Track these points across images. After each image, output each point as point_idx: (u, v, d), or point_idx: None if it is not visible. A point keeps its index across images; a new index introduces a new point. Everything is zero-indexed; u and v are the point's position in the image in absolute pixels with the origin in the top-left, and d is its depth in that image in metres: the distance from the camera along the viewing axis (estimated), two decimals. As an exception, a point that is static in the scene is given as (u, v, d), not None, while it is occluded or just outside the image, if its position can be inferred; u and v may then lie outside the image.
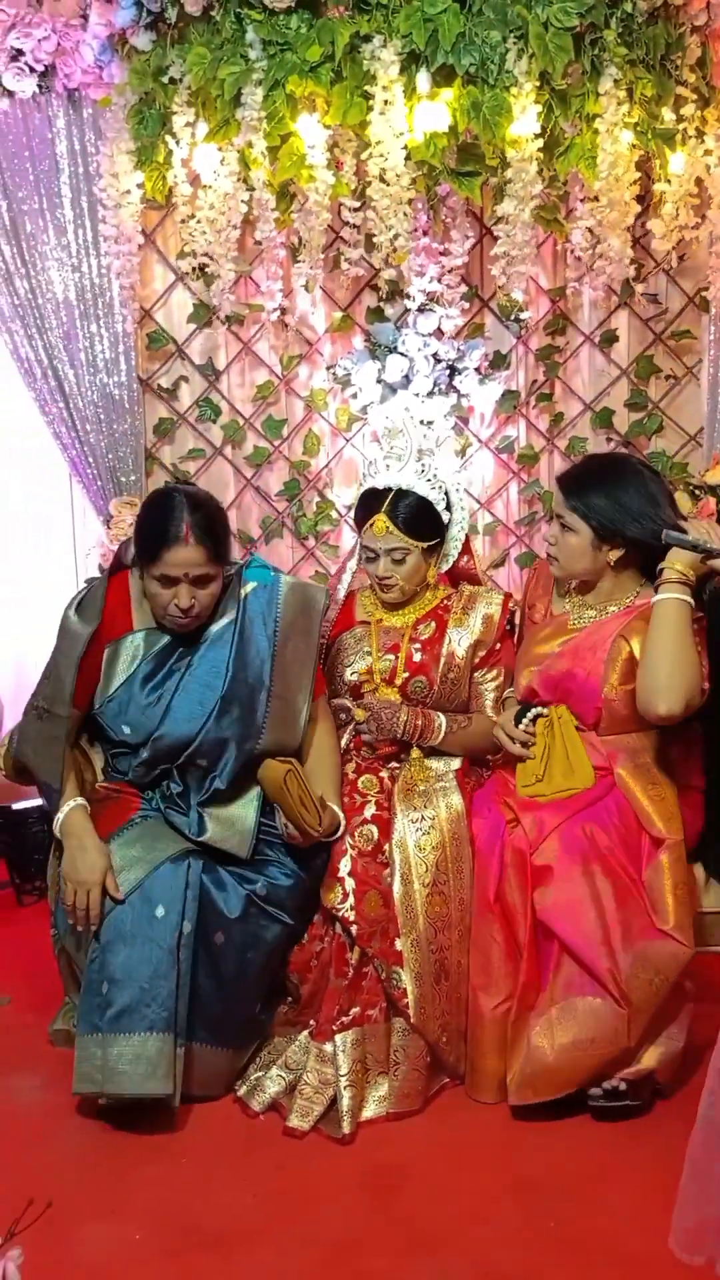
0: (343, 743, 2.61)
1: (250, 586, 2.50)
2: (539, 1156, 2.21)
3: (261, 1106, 2.34)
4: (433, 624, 2.65)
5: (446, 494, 2.64)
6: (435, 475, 2.61)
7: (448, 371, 3.43)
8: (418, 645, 2.63)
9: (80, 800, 2.39)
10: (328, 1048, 2.31)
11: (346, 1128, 2.25)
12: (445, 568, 2.72)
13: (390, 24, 2.66)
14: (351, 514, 3.50)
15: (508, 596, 2.71)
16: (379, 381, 3.42)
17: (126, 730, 2.44)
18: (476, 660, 2.64)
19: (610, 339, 3.52)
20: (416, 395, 3.42)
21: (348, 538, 3.59)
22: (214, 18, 2.75)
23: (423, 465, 2.60)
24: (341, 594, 2.77)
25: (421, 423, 2.73)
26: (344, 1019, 2.32)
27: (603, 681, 2.41)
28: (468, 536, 2.73)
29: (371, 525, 2.59)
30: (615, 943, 2.24)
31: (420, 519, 2.59)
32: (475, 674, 2.66)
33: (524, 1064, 2.26)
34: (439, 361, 3.41)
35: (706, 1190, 1.70)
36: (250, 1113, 2.34)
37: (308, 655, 2.51)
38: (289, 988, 2.44)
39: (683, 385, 3.56)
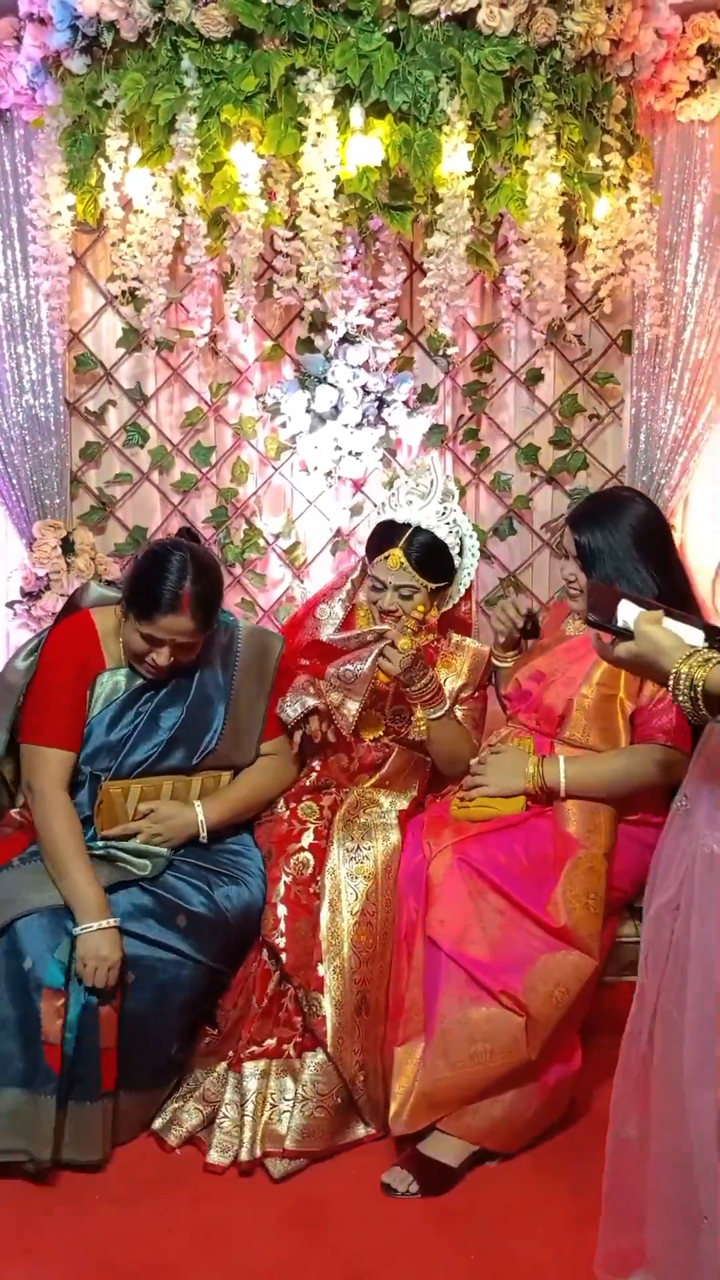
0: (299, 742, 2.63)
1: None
2: (460, 1187, 2.19)
3: (179, 1141, 2.29)
4: (436, 672, 2.65)
5: (461, 540, 2.66)
6: (455, 520, 2.64)
7: (376, 404, 3.46)
8: None
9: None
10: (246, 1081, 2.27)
11: (244, 1155, 2.20)
12: (445, 609, 2.74)
13: (325, 58, 2.69)
14: (278, 543, 3.51)
15: (491, 650, 2.76)
16: (308, 411, 3.43)
17: (84, 767, 2.41)
18: (459, 699, 2.67)
19: (536, 377, 3.58)
20: (345, 426, 3.44)
21: (275, 566, 3.58)
22: (150, 44, 2.75)
23: (445, 508, 2.63)
24: (339, 610, 2.76)
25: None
26: (255, 1048, 2.29)
27: (584, 676, 2.43)
28: (471, 584, 2.76)
29: (386, 558, 2.59)
30: (507, 962, 2.22)
31: (434, 560, 2.60)
32: (453, 706, 2.67)
33: (420, 1084, 2.20)
34: (368, 393, 3.44)
35: (626, 1212, 1.69)
36: (167, 1147, 2.28)
37: (260, 699, 2.56)
38: (214, 1017, 2.40)
39: (605, 424, 3.64)
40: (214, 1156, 2.23)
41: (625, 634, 1.56)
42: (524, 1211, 2.11)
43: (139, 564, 2.43)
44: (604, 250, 3.13)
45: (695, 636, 1.52)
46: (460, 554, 2.68)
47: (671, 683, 1.47)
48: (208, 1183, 2.19)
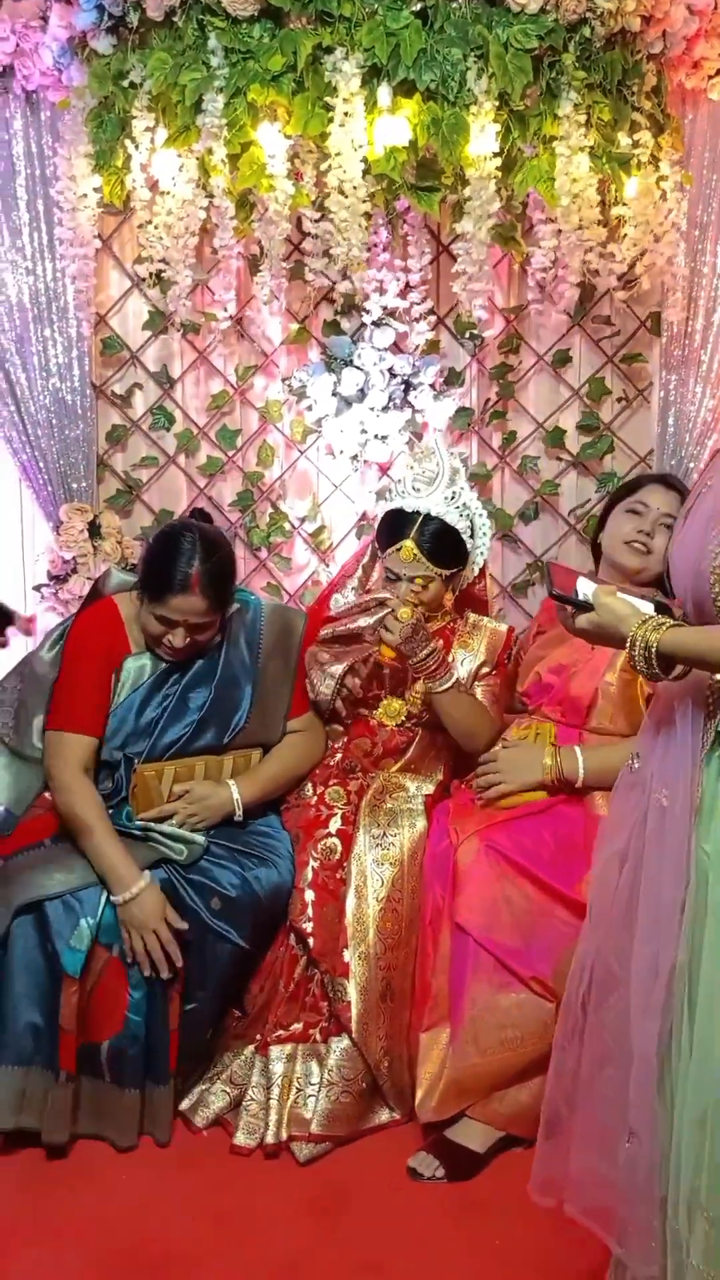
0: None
1: (235, 607, 2.53)
2: (482, 1177, 2.19)
3: (205, 1122, 2.30)
4: (440, 642, 2.64)
5: (472, 521, 2.65)
6: (464, 503, 2.63)
7: (403, 386, 3.44)
8: None
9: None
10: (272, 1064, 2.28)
11: (269, 1138, 2.21)
12: (460, 589, 2.73)
13: (352, 37, 2.67)
14: (303, 527, 3.50)
15: (511, 630, 2.74)
16: (334, 394, 3.42)
17: (116, 751, 2.42)
18: (478, 675, 2.66)
19: (563, 360, 3.55)
20: (371, 409, 3.42)
21: (300, 550, 3.57)
22: (176, 23, 2.74)
23: (452, 492, 2.62)
24: (352, 596, 2.76)
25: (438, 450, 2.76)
26: (281, 1032, 2.29)
27: (607, 664, 2.43)
28: (485, 562, 2.75)
29: (399, 550, 2.58)
30: (537, 948, 2.21)
31: (446, 547, 2.60)
32: (473, 684, 2.67)
33: (450, 1071, 2.20)
34: (394, 376, 3.42)
35: (560, 1145, 1.76)
36: (194, 1129, 2.30)
37: (285, 677, 2.57)
38: (242, 1001, 2.41)
39: (634, 408, 3.60)
40: (240, 1139, 2.24)
41: (586, 606, 1.73)
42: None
43: (150, 547, 2.47)
44: (634, 228, 3.09)
45: (647, 606, 1.70)
46: (471, 535, 2.67)
47: (628, 645, 1.63)
48: (234, 1165, 2.20)
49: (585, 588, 1.73)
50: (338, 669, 2.57)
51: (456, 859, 2.32)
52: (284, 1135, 2.23)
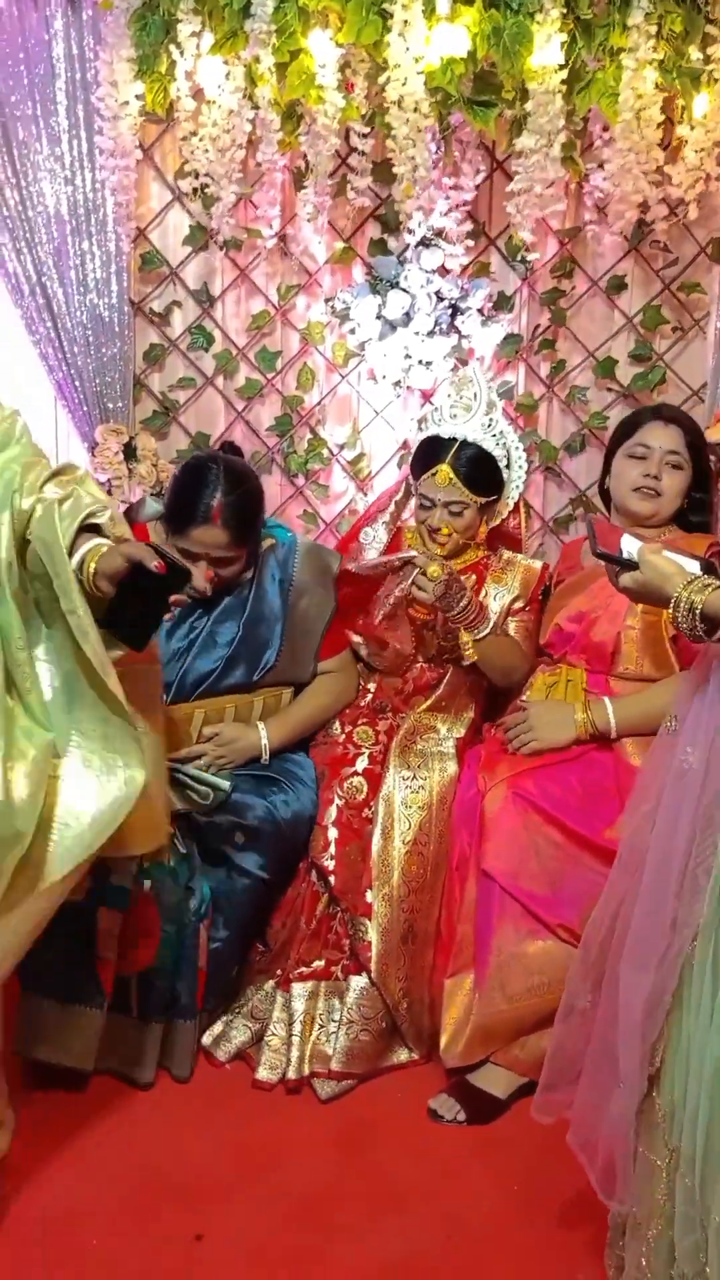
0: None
1: (267, 543, 2.48)
2: (506, 1117, 2.21)
3: (227, 1056, 2.34)
4: (473, 577, 2.63)
5: (509, 451, 2.61)
6: (501, 431, 2.60)
7: (450, 311, 3.32)
8: None
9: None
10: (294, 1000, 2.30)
11: (291, 1074, 2.24)
12: (495, 524, 2.70)
13: (411, -63, 2.51)
14: (342, 454, 3.42)
15: (545, 566, 2.71)
16: (379, 318, 3.31)
17: None
18: (511, 610, 2.64)
19: (618, 285, 3.41)
20: (416, 334, 3.31)
21: (338, 478, 3.50)
22: None
23: (490, 419, 2.60)
24: (383, 533, 2.73)
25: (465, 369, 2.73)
26: (303, 969, 2.31)
27: (628, 609, 2.39)
28: (521, 498, 2.70)
29: (434, 475, 2.56)
30: (565, 895, 2.21)
31: (482, 474, 2.57)
32: (506, 619, 2.65)
33: (477, 1017, 2.21)
34: (441, 300, 3.30)
35: (563, 1072, 1.83)
36: (216, 1062, 2.33)
37: (320, 615, 2.54)
38: (265, 935, 2.42)
39: (689, 339, 3.47)
40: (262, 1073, 2.27)
41: (630, 565, 1.68)
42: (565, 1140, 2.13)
43: (175, 477, 2.47)
44: (698, 151, 2.94)
45: (693, 565, 1.65)
46: (508, 466, 2.63)
47: (673, 606, 1.59)
48: (256, 1099, 2.24)
49: (630, 545, 1.69)
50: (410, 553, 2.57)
51: (484, 806, 2.31)
52: (305, 1071, 2.26)
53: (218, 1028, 2.37)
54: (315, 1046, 2.28)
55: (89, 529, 1.83)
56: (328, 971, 2.33)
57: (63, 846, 1.79)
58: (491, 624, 2.52)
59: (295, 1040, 2.26)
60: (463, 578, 2.56)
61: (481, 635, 2.50)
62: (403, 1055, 2.36)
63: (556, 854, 2.24)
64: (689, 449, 2.57)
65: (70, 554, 1.79)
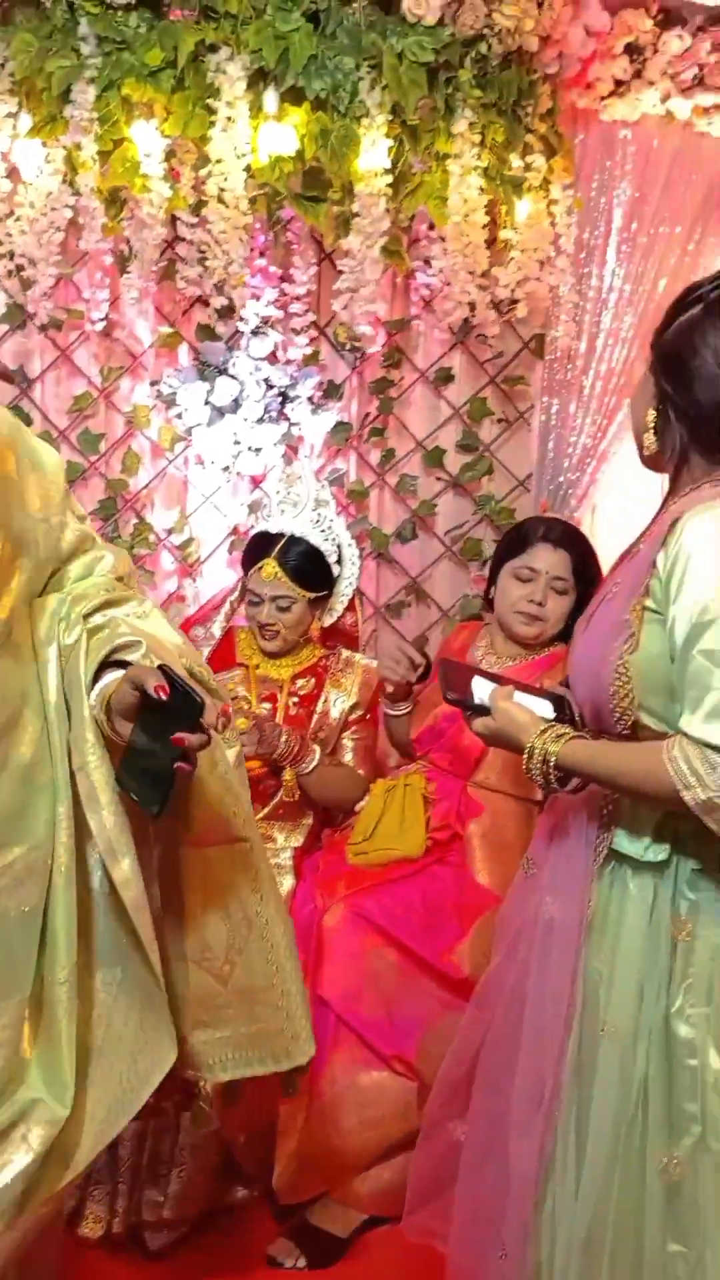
0: None
1: None
2: (347, 1262, 2.11)
3: (50, 1210, 2.16)
4: (312, 680, 2.57)
5: (339, 548, 2.57)
6: (330, 526, 2.58)
7: (280, 399, 3.28)
8: (295, 699, 2.55)
9: None
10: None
11: (117, 1226, 2.10)
12: (329, 622, 2.65)
13: (238, 36, 2.49)
14: (170, 539, 3.33)
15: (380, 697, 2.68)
16: (207, 403, 3.24)
17: None
18: (347, 721, 2.57)
19: (445, 377, 3.45)
20: (245, 420, 3.26)
21: (166, 562, 3.39)
22: (44, 4, 2.50)
23: (318, 515, 2.57)
24: (216, 631, 2.65)
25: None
26: None
27: None
28: (354, 595, 2.66)
29: (260, 569, 2.52)
30: (401, 1024, 2.15)
31: (310, 569, 2.53)
32: (342, 734, 2.60)
33: (310, 1149, 2.12)
34: (271, 387, 3.26)
35: (431, 1194, 1.80)
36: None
37: None
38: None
39: (514, 430, 3.53)
40: (85, 1228, 2.10)
41: (482, 710, 1.64)
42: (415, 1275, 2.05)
43: None
44: (520, 253, 3.01)
45: (545, 709, 1.63)
46: (339, 562, 2.61)
47: (526, 756, 1.56)
48: (77, 1258, 2.07)
49: (481, 690, 1.65)
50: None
51: (321, 925, 2.23)
52: (133, 1220, 2.11)
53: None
54: (143, 1192, 2.13)
55: (116, 664, 1.42)
56: (158, 1108, 2.19)
57: None
58: (319, 758, 2.48)
59: (122, 1189, 2.11)
60: (277, 707, 2.51)
61: (309, 769, 2.45)
62: (240, 1194, 2.24)
63: (395, 978, 2.18)
64: (575, 573, 2.54)
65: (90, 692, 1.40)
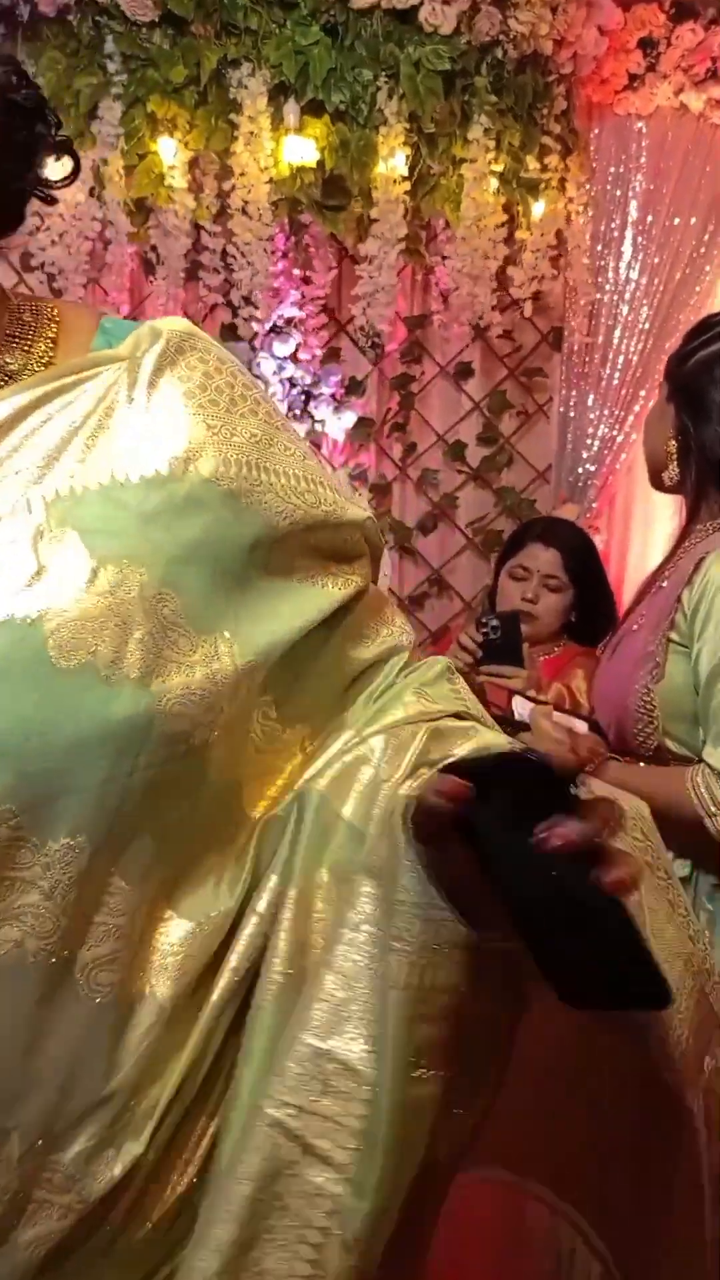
0: None
1: None
2: None
3: None
4: None
5: None
6: None
7: (303, 396, 3.36)
8: None
9: None
10: None
11: None
12: None
13: (259, 51, 2.55)
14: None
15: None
16: (232, 403, 3.32)
17: None
18: None
19: (465, 371, 3.52)
20: (270, 418, 3.33)
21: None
22: (70, 21, 2.57)
23: None
24: None
25: None
26: None
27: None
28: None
29: None
30: None
31: None
32: None
33: None
34: (294, 386, 3.34)
35: None
36: None
37: None
38: None
39: (533, 422, 3.59)
40: None
41: (522, 726, 1.69)
42: None
43: None
44: (536, 252, 3.06)
45: (581, 727, 1.68)
46: None
47: None
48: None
49: (521, 708, 1.74)
50: None
51: None
52: None
53: None
54: None
55: None
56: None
57: None
58: None
59: None
60: None
61: None
62: None
63: None
64: (569, 570, 2.55)
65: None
